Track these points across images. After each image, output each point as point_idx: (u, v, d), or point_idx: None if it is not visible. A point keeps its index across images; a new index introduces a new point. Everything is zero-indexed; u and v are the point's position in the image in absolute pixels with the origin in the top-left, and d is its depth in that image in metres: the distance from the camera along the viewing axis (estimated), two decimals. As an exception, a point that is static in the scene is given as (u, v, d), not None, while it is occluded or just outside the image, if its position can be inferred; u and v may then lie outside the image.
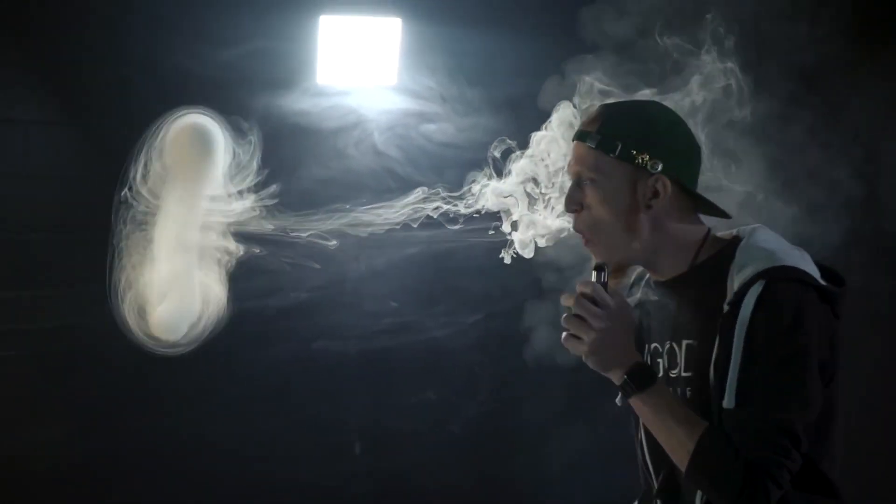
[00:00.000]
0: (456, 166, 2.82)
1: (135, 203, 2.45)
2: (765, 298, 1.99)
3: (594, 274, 2.11)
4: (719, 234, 2.20)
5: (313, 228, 2.61)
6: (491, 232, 2.67)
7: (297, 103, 4.02)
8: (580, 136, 2.17)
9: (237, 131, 2.52)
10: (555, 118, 2.52)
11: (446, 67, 3.97)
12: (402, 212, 2.55)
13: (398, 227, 2.54)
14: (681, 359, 2.14)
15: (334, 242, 2.62)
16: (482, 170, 2.60)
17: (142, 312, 2.42)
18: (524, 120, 2.63)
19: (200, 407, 4.25)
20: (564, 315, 2.09)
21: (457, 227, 2.56)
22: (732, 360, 2.00)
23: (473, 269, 4.08)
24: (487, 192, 2.57)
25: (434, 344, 4.27)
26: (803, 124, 3.47)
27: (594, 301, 2.07)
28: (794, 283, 2.02)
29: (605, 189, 2.13)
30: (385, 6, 4.02)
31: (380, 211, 2.57)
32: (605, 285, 2.11)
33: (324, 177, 3.91)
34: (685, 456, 2.01)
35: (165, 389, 4.20)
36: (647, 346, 2.28)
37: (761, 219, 2.46)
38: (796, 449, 1.97)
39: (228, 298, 2.54)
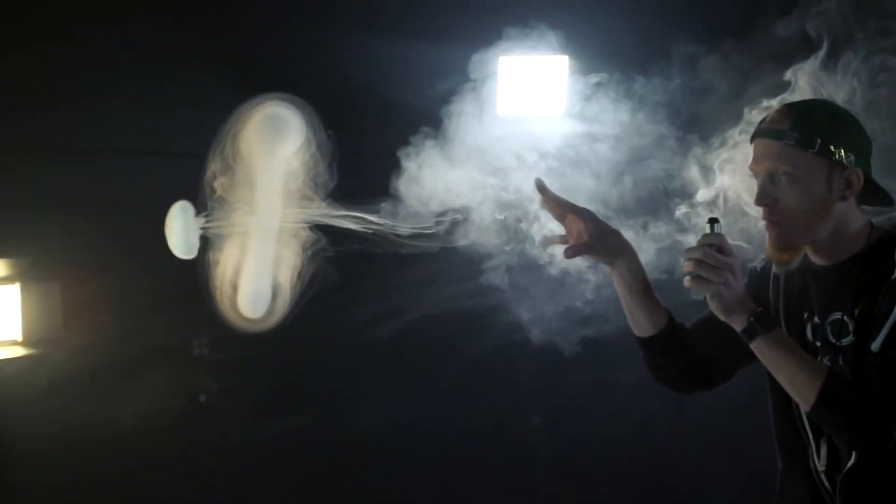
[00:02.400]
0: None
1: (218, 190, 2.45)
2: None
3: (710, 227, 2.16)
4: (875, 220, 2.26)
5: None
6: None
7: (482, 131, 4.44)
8: (773, 135, 2.20)
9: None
10: (801, 84, 2.57)
11: (610, 98, 4.14)
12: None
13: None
14: (851, 328, 2.16)
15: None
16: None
17: (231, 293, 2.45)
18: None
19: (422, 391, 4.80)
20: (689, 260, 2.14)
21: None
22: (893, 314, 2.07)
23: (658, 266, 4.37)
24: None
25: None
26: None
27: (720, 251, 2.13)
28: None
29: (804, 183, 2.17)
30: (554, 47, 4.17)
31: None
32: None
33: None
34: (811, 393, 2.06)
35: (393, 379, 4.80)
36: (805, 318, 2.31)
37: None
38: None
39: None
